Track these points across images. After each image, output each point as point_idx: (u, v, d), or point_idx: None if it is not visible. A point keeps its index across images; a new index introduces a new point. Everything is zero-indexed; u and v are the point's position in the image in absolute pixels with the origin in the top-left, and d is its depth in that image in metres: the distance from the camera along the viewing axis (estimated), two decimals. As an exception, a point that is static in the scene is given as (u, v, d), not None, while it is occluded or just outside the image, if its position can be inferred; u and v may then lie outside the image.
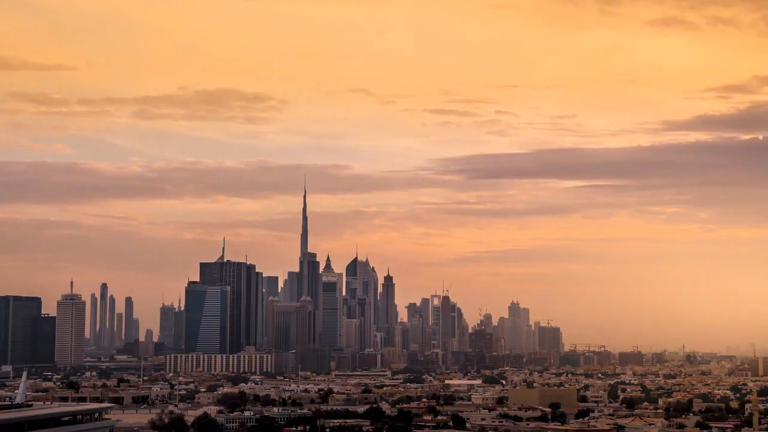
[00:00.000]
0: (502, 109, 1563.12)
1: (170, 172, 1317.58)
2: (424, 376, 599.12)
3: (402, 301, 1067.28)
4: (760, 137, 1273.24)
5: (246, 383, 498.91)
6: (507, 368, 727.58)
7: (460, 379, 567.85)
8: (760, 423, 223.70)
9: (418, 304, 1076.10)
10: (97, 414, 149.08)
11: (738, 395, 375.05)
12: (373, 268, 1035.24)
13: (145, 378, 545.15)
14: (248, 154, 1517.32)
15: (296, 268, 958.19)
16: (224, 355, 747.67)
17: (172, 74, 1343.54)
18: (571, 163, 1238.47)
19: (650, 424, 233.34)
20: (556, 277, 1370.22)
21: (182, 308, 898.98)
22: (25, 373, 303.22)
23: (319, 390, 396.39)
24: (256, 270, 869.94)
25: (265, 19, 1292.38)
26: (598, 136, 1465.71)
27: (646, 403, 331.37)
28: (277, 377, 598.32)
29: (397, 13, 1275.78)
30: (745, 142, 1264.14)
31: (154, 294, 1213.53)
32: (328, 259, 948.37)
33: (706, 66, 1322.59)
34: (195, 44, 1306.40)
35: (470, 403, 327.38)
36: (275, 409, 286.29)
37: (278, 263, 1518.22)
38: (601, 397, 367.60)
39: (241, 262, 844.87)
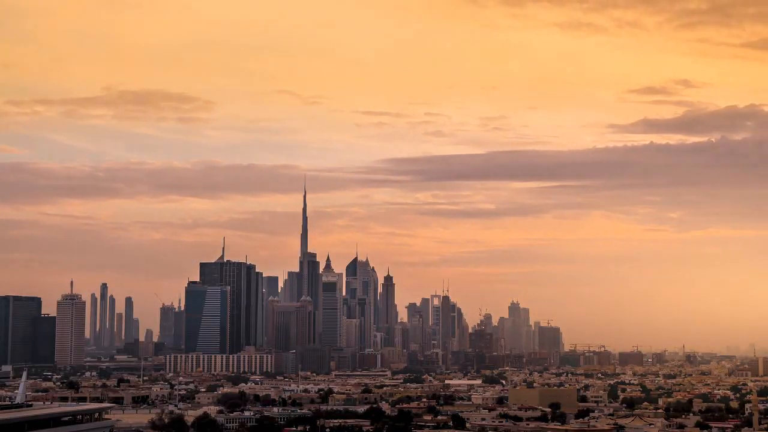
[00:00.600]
0: (431, 111, 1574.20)
1: (119, 172, 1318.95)
2: (424, 376, 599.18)
3: (402, 301, 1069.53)
4: (713, 139, 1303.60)
5: (246, 383, 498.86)
6: (507, 368, 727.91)
7: (460, 379, 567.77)
8: (760, 423, 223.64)
9: (418, 304, 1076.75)
10: (97, 414, 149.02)
11: (738, 395, 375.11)
12: (373, 268, 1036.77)
13: (145, 378, 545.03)
14: (191, 154, 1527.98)
15: (296, 268, 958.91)
16: (224, 355, 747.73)
17: (95, 75, 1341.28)
18: (525, 164, 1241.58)
19: (650, 424, 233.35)
20: (539, 276, 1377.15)
21: (182, 308, 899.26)
22: (25, 373, 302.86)
23: (319, 390, 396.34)
24: (256, 270, 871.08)
25: (185, 19, 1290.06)
26: (542, 137, 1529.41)
27: (646, 403, 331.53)
28: (277, 377, 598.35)
29: (317, 12, 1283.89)
30: (700, 144, 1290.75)
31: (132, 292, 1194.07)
32: (328, 259, 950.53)
33: (627, 68, 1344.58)
34: (116, 44, 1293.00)
35: (470, 403, 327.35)
36: (275, 409, 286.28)
37: (278, 263, 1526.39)
38: (601, 397, 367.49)
39: (241, 262, 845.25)
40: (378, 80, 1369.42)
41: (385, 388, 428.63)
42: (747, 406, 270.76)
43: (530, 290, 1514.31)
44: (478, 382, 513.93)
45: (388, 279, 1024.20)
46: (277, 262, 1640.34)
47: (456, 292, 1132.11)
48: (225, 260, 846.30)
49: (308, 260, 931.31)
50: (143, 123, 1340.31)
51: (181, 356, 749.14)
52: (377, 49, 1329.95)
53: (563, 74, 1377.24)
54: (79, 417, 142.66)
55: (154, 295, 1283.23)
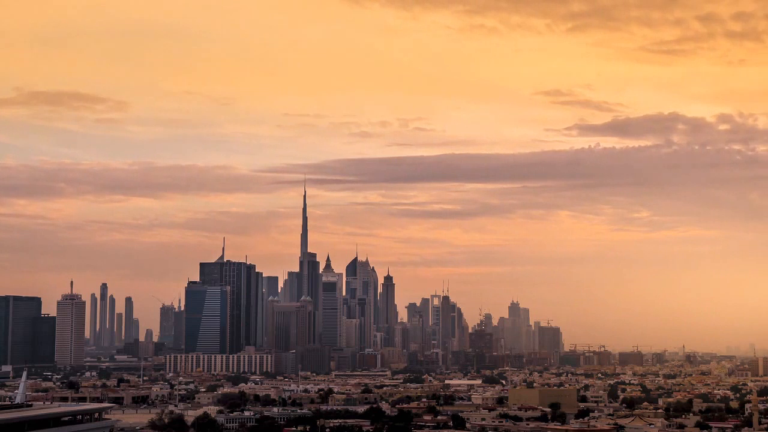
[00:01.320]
0: (348, 112, 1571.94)
1: (58, 172, 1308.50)
2: (424, 376, 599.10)
3: (402, 301, 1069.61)
4: (651, 143, 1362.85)
5: (246, 383, 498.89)
6: (507, 368, 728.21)
7: (460, 379, 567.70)
8: (760, 423, 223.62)
9: (418, 304, 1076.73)
10: (97, 414, 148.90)
11: (738, 395, 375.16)
12: (373, 268, 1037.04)
13: (145, 378, 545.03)
14: (123, 155, 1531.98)
15: (296, 268, 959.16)
16: (224, 355, 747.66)
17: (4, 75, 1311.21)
18: (479, 166, 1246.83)
19: (650, 424, 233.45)
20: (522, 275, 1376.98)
21: (182, 308, 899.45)
22: (25, 373, 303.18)
23: (319, 390, 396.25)
24: (256, 270, 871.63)
25: (87, 20, 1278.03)
26: (473, 137, 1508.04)
27: (646, 403, 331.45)
28: (277, 377, 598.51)
29: (222, 13, 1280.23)
30: (646, 147, 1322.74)
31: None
32: (328, 259, 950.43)
33: (533, 71, 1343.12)
34: (22, 45, 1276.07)
35: (470, 403, 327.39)
36: (275, 409, 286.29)
37: (278, 263, 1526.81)
38: (601, 397, 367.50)
39: (241, 262, 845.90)
40: (291, 81, 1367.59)
41: (385, 388, 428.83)
42: (747, 406, 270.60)
43: (521, 290, 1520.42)
44: (478, 382, 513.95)
45: (388, 279, 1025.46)
46: (277, 263, 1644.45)
47: (455, 292, 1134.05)
48: (225, 260, 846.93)
49: (308, 260, 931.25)
50: (63, 124, 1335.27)
51: (181, 356, 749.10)
52: (288, 49, 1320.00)
53: (472, 75, 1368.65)
54: (79, 417, 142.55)
55: (153, 296, 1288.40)
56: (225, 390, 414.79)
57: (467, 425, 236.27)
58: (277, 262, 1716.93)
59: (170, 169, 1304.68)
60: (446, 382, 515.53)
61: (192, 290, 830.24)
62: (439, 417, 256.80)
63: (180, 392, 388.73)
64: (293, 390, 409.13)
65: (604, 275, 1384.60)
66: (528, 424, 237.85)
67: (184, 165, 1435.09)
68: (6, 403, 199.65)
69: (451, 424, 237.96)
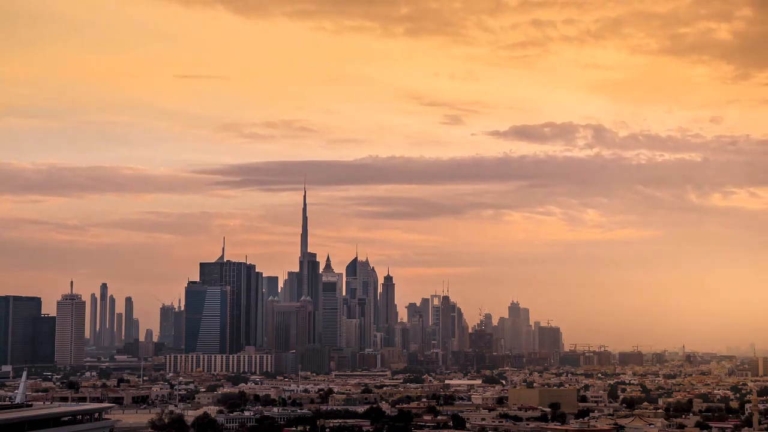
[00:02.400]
0: (235, 113, 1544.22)
1: None
2: (424, 376, 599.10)
3: (402, 301, 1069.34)
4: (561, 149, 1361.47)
5: (246, 383, 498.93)
6: (507, 368, 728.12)
7: (460, 379, 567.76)
8: (760, 423, 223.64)
9: (418, 304, 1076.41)
10: (97, 414, 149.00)
11: (738, 395, 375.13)
12: (373, 268, 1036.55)
13: (145, 378, 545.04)
14: (29, 156, 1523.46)
15: (295, 268, 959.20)
16: (224, 355, 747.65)
17: None
18: (412, 169, 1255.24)
19: (650, 424, 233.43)
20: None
21: (182, 308, 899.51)
22: (25, 373, 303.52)
23: (319, 390, 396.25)
24: (256, 270, 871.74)
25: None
26: (379, 138, 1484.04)
27: (646, 403, 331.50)
28: (277, 377, 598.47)
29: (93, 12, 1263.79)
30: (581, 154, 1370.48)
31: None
32: (328, 259, 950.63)
33: (402, 76, 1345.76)
34: None
35: (470, 403, 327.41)
36: (275, 409, 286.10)
37: (277, 264, 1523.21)
38: (601, 397, 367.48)
39: (241, 262, 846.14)
40: (161, 78, 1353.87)
41: (385, 388, 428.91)
42: (747, 406, 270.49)
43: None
44: (478, 382, 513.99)
45: (388, 279, 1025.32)
46: (277, 263, 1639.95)
47: (455, 292, 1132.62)
48: (225, 260, 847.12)
49: (308, 260, 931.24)
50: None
51: (181, 356, 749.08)
52: (158, 44, 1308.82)
53: (346, 74, 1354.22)
54: (79, 417, 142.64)
55: (153, 296, 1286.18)
56: (225, 390, 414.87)
57: (467, 425, 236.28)
58: (277, 262, 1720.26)
59: (85, 170, 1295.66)
60: (446, 382, 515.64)
61: (192, 290, 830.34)
62: (439, 417, 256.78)
63: (180, 392, 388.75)
64: (293, 390, 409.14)
65: (600, 275, 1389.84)
66: (528, 424, 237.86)
67: (92, 165, 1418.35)
68: (6, 403, 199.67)
69: (451, 424, 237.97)
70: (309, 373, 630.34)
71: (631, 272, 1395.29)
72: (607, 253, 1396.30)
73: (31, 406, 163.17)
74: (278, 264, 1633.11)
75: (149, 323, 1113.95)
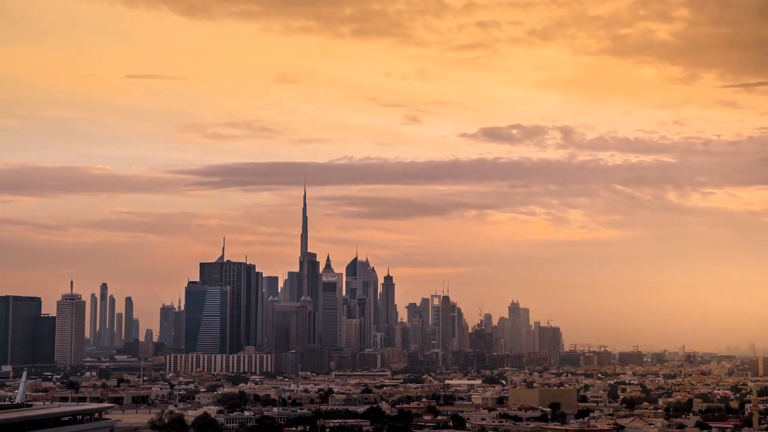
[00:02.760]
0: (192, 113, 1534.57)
1: None
2: (424, 376, 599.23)
3: (402, 301, 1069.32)
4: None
5: (246, 383, 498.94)
6: (507, 368, 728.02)
7: (460, 379, 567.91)
8: (760, 423, 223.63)
9: (418, 304, 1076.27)
10: (97, 414, 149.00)
11: (738, 395, 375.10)
12: (373, 268, 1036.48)
13: (145, 378, 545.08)
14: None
15: (296, 268, 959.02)
16: (224, 355, 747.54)
17: None
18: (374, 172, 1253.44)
19: (650, 424, 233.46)
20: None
21: (182, 308, 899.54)
22: (25, 373, 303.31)
23: (319, 390, 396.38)
24: (257, 270, 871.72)
25: None
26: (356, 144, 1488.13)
27: (646, 403, 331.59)
28: (277, 377, 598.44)
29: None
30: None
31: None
32: (328, 259, 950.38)
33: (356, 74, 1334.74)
34: None
35: (470, 403, 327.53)
36: (275, 409, 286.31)
37: (277, 264, 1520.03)
38: (601, 397, 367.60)
39: (241, 262, 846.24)
40: (113, 78, 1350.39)
41: (385, 388, 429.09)
42: (747, 406, 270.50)
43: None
44: (478, 382, 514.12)
45: (388, 279, 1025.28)
46: (276, 263, 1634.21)
47: (455, 292, 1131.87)
48: (225, 260, 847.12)
49: (308, 260, 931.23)
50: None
51: (181, 356, 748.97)
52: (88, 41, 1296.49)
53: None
54: (79, 417, 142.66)
55: (154, 295, 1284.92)
56: (225, 390, 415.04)
57: (467, 425, 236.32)
58: (277, 262, 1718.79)
59: (54, 170, 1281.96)
60: (446, 382, 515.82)
61: (192, 290, 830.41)
62: (439, 417, 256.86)
63: (180, 392, 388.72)
64: (293, 390, 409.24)
65: (602, 274, 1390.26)
66: (528, 424, 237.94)
67: (60, 166, 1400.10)
68: (6, 403, 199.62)
69: (451, 424, 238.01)
70: (309, 373, 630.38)
71: (626, 272, 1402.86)
72: (598, 252, 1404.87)
73: (31, 406, 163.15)
74: (273, 263, 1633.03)
75: (149, 323, 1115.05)
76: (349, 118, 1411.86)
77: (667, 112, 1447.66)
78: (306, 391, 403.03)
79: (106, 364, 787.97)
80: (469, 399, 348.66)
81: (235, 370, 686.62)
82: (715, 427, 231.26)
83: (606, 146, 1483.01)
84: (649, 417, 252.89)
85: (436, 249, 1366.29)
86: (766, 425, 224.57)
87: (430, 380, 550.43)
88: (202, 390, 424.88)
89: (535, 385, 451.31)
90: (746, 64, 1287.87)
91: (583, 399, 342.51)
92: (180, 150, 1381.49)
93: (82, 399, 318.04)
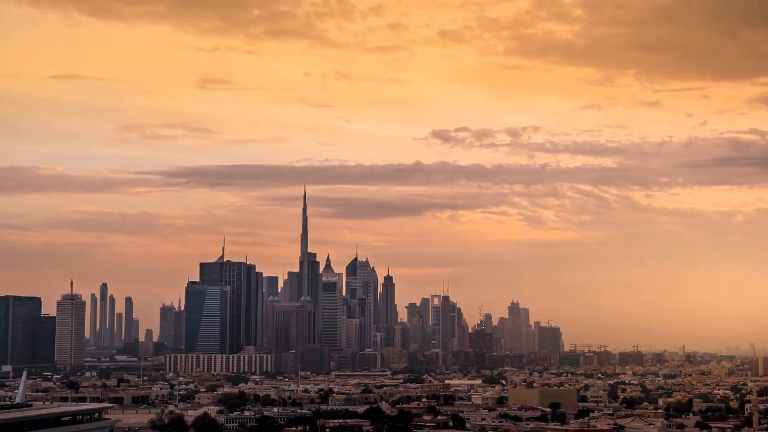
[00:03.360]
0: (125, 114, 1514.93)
1: None
2: (424, 376, 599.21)
3: (402, 301, 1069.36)
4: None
5: (246, 383, 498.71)
6: (507, 368, 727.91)
7: (460, 379, 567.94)
8: (760, 423, 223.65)
9: (418, 304, 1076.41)
10: (97, 414, 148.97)
11: (738, 395, 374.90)
12: (373, 268, 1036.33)
13: (145, 378, 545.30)
14: None
15: (295, 268, 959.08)
16: (224, 355, 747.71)
17: None
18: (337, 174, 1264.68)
19: (650, 424, 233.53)
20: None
21: (182, 308, 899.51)
22: (25, 373, 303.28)
23: (319, 390, 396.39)
24: (256, 270, 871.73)
25: None
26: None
27: (646, 403, 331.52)
28: (277, 377, 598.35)
29: None
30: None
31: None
32: (328, 259, 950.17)
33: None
34: None
35: (470, 403, 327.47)
36: (275, 409, 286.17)
37: (276, 263, 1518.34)
38: (601, 397, 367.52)
39: (241, 263, 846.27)
40: (37, 78, 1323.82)
41: (385, 388, 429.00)
42: (747, 406, 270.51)
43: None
44: (478, 382, 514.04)
45: (388, 279, 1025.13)
46: (275, 263, 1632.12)
47: (455, 292, 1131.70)
48: (225, 260, 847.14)
49: (308, 260, 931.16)
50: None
51: (181, 356, 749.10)
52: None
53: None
54: (79, 417, 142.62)
55: (154, 295, 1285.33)
56: (225, 390, 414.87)
57: (467, 425, 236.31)
58: (277, 262, 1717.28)
59: (26, 170, 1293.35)
60: (446, 382, 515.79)
61: (192, 290, 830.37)
62: (439, 417, 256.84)
63: (180, 392, 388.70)
64: (293, 390, 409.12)
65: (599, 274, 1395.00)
66: (528, 424, 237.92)
67: (6, 166, 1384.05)
68: (6, 403, 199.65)
69: (451, 424, 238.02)
70: (309, 373, 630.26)
71: (613, 272, 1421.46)
72: (579, 252, 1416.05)
73: (31, 406, 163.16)
74: (273, 264, 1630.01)
75: (149, 323, 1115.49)
76: (284, 119, 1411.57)
77: (601, 113, 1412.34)
78: (306, 391, 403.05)
79: (106, 364, 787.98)
80: (469, 399, 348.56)
81: (235, 370, 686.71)
82: (715, 427, 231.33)
83: (556, 148, 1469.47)
84: (649, 417, 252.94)
85: (411, 249, 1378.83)
86: (766, 425, 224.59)
87: (430, 380, 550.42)
88: (202, 390, 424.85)
89: (535, 385, 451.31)
90: (660, 66, 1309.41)
91: (583, 399, 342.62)
92: (124, 150, 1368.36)
93: (82, 399, 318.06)
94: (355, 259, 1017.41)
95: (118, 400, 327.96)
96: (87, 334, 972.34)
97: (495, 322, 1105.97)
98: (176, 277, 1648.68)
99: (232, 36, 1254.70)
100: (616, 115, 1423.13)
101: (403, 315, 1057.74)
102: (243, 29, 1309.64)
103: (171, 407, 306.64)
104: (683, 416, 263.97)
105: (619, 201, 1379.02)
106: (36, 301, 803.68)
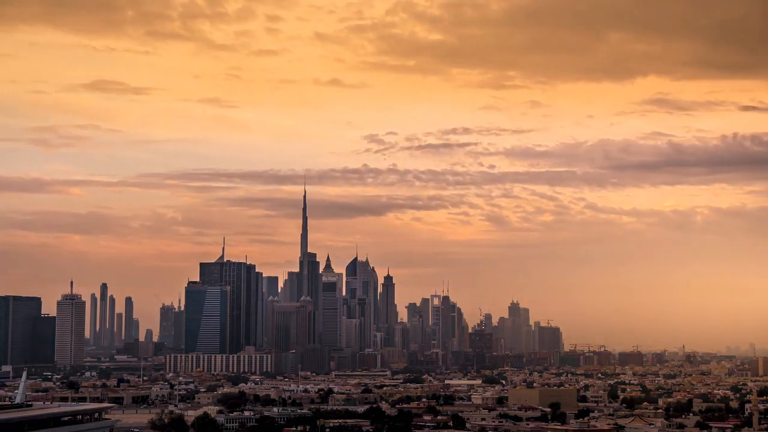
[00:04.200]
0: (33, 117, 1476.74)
1: None
2: (424, 376, 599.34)
3: (402, 301, 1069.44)
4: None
5: (246, 383, 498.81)
6: (507, 368, 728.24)
7: (460, 379, 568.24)
8: (760, 423, 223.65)
9: (418, 304, 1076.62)
10: (97, 414, 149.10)
11: (738, 395, 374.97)
12: (373, 268, 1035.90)
13: (145, 378, 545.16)
14: None
15: (296, 268, 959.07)
16: (224, 355, 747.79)
17: None
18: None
19: (650, 424, 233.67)
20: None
21: (182, 308, 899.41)
22: (25, 373, 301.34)
23: (319, 390, 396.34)
24: (256, 270, 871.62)
25: None
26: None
27: (646, 403, 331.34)
28: (277, 377, 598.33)
29: None
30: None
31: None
32: (328, 259, 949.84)
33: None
34: None
35: (470, 403, 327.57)
36: (275, 409, 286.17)
37: (275, 263, 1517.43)
38: (601, 397, 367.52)
39: (241, 262, 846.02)
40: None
41: (385, 388, 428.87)
42: (747, 406, 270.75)
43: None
44: (478, 382, 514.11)
45: (388, 279, 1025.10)
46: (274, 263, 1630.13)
47: (455, 292, 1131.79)
48: (225, 260, 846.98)
49: (308, 260, 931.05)
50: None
51: (181, 356, 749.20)
52: None
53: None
54: (79, 417, 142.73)
55: (154, 295, 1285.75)
56: (225, 390, 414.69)
57: (467, 425, 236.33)
58: (277, 262, 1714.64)
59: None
60: (446, 382, 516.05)
61: (192, 290, 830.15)
62: (439, 417, 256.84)
63: (180, 392, 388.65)
64: (293, 390, 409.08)
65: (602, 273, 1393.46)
66: (528, 424, 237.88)
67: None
68: (6, 403, 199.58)
69: (451, 424, 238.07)
70: (309, 373, 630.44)
71: (597, 272, 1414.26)
72: (552, 252, 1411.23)
73: (31, 406, 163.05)
74: (278, 264, 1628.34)
75: (149, 323, 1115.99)
76: (191, 124, 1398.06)
77: (512, 116, 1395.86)
78: (306, 391, 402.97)
79: (106, 364, 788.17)
80: (469, 399, 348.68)
81: (235, 370, 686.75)
82: (715, 427, 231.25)
83: (490, 152, 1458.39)
84: (649, 417, 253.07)
85: (380, 249, 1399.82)
86: (766, 425, 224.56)
87: (430, 380, 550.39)
88: (202, 390, 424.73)
89: (535, 385, 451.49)
90: (544, 66, 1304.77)
91: (583, 399, 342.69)
92: (52, 151, 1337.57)
93: (82, 399, 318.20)
94: (355, 259, 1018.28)
95: (118, 400, 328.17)
96: (87, 334, 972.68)
97: (495, 322, 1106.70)
98: (176, 277, 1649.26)
99: (115, 38, 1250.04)
100: (535, 119, 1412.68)
101: (403, 315, 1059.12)
102: (121, 30, 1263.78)
103: (171, 407, 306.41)
104: (683, 416, 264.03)
105: (576, 202, 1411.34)
106: (36, 301, 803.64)
